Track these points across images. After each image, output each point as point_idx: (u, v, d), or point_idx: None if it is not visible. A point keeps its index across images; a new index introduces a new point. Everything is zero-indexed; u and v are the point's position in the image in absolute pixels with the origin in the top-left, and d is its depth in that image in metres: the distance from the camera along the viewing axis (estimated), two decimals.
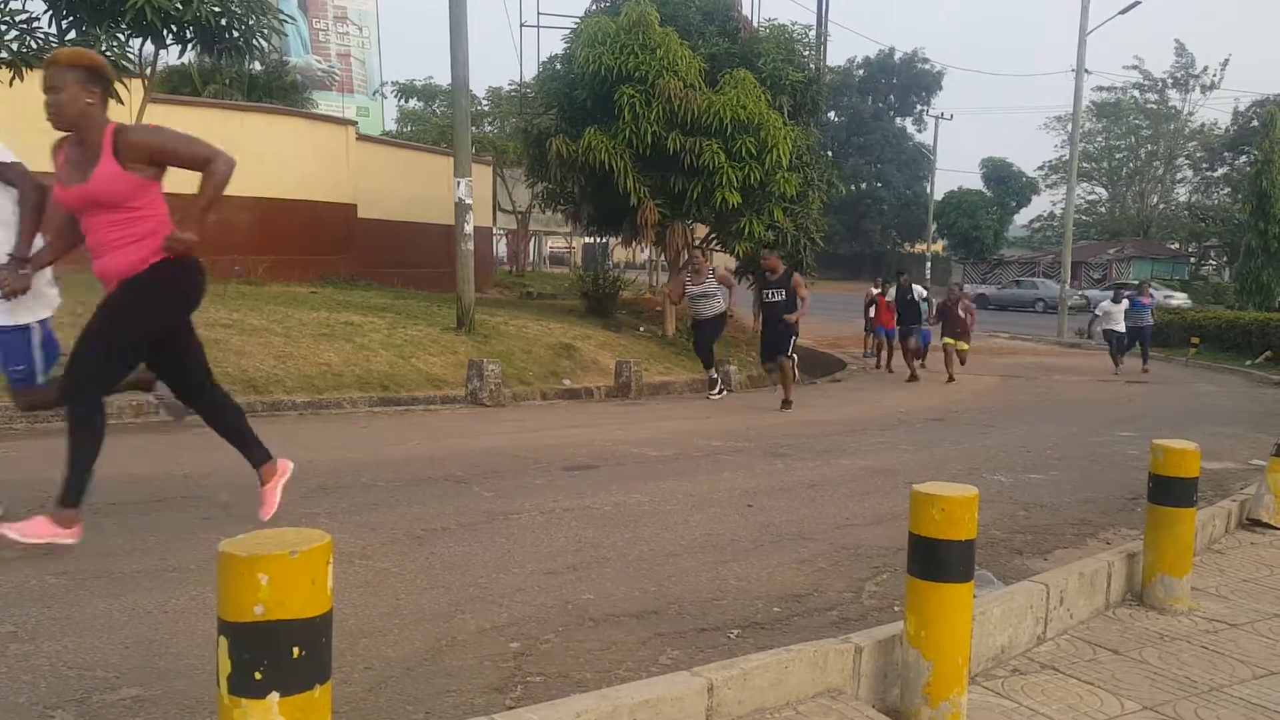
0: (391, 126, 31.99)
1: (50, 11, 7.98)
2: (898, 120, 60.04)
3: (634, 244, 17.78)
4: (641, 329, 15.84)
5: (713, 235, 15.58)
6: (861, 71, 58.57)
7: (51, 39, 8.02)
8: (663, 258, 18.88)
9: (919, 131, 59.35)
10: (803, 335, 12.12)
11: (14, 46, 7.84)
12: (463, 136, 12.20)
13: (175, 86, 17.56)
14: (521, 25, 18.87)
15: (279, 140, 15.32)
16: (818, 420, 9.70)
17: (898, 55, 58.54)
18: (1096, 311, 18.46)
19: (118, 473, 5.43)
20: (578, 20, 15.33)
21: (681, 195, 13.62)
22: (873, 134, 57.39)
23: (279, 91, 20.51)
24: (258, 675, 1.62)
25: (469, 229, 12.17)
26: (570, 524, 4.77)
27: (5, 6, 7.80)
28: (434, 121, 27.58)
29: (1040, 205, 58.17)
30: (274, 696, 1.63)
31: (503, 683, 2.84)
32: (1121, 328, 16.84)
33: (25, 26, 7.93)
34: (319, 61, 30.78)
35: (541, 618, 3.41)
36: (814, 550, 4.49)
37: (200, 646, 2.95)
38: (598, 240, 26.47)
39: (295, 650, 1.64)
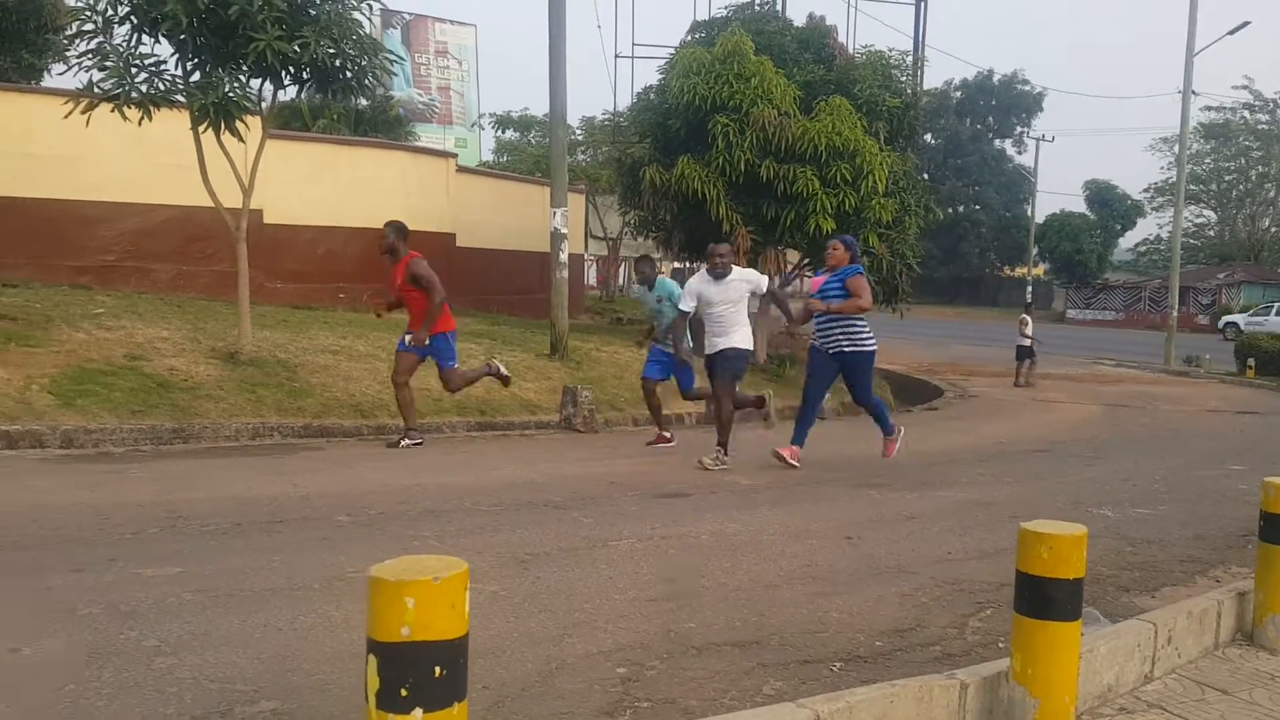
0: (488, 157, 32.77)
1: (177, 54, 8.43)
2: (996, 142, 59.05)
3: None
4: None
5: (806, 261, 15.57)
6: (959, 94, 57.82)
7: (178, 80, 8.48)
8: None
9: (1019, 153, 58.32)
10: (895, 361, 11.90)
11: (143, 88, 8.29)
12: (559, 168, 12.47)
13: (286, 121, 18.33)
14: (616, 56, 19.17)
15: (384, 173, 15.86)
16: (914, 450, 9.59)
17: (997, 77, 57.67)
18: None
19: (239, 495, 5.73)
20: (672, 51, 15.54)
21: (774, 222, 13.66)
22: (971, 156, 56.53)
23: (383, 125, 21.23)
24: (403, 692, 1.75)
25: (564, 257, 12.41)
26: (668, 552, 4.86)
27: (135, 50, 8.27)
28: (529, 151, 28.17)
29: (1146, 228, 56.50)
30: (418, 713, 1.75)
31: (612, 707, 2.93)
32: None
33: (154, 69, 8.39)
34: (420, 95, 31.77)
35: (646, 644, 3.50)
36: (915, 584, 4.49)
37: (329, 663, 3.12)
38: (687, 265, 26.63)
39: (437, 670, 1.76)
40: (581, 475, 7.13)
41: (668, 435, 9.07)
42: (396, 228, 8.03)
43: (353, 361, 10.17)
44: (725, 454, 7.66)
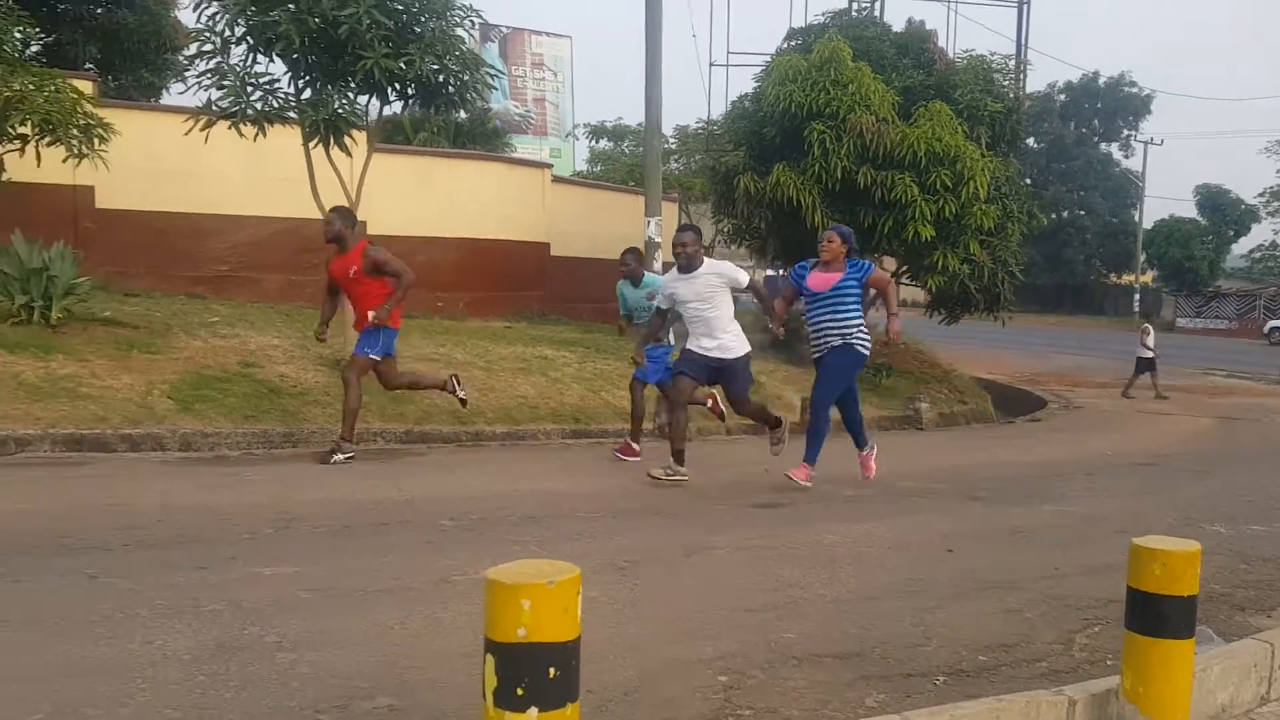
0: (581, 166, 33.14)
1: (289, 73, 8.76)
2: (1102, 146, 57.26)
3: None
4: None
5: (904, 269, 15.35)
6: (1063, 96, 56.24)
7: (290, 98, 8.82)
8: None
9: (1126, 157, 56.44)
10: (997, 371, 11.65)
11: (258, 106, 8.64)
12: (654, 177, 12.57)
13: (389, 135, 18.86)
14: (711, 65, 19.23)
15: (481, 184, 16.18)
16: (1018, 461, 9.40)
17: (1103, 79, 55.93)
18: None
19: (347, 498, 5.93)
20: (768, 59, 15.51)
21: (871, 229, 13.49)
22: (1075, 160, 54.92)
23: (481, 137, 21.66)
24: (519, 691, 1.81)
25: (658, 266, 12.50)
26: (767, 562, 4.86)
27: (251, 70, 8.63)
28: (623, 161, 28.37)
29: (1261, 234, 53.97)
30: (533, 711, 1.81)
31: (715, 714, 2.96)
32: None
33: (268, 87, 8.74)
34: (516, 107, 32.34)
35: (746, 653, 3.51)
36: (1021, 599, 4.40)
37: (439, 662, 3.22)
38: (780, 273, 26.50)
39: (551, 670, 1.82)
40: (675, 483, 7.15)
41: (636, 448, 8.07)
42: (343, 213, 7.44)
43: (451, 369, 10.39)
44: (782, 429, 7.23)
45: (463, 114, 16.12)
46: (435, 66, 8.40)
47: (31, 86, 9.62)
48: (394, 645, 3.38)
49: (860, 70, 13.31)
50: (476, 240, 15.67)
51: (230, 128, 8.56)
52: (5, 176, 9.98)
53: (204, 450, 7.48)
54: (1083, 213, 55.22)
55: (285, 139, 9.16)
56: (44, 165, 10.00)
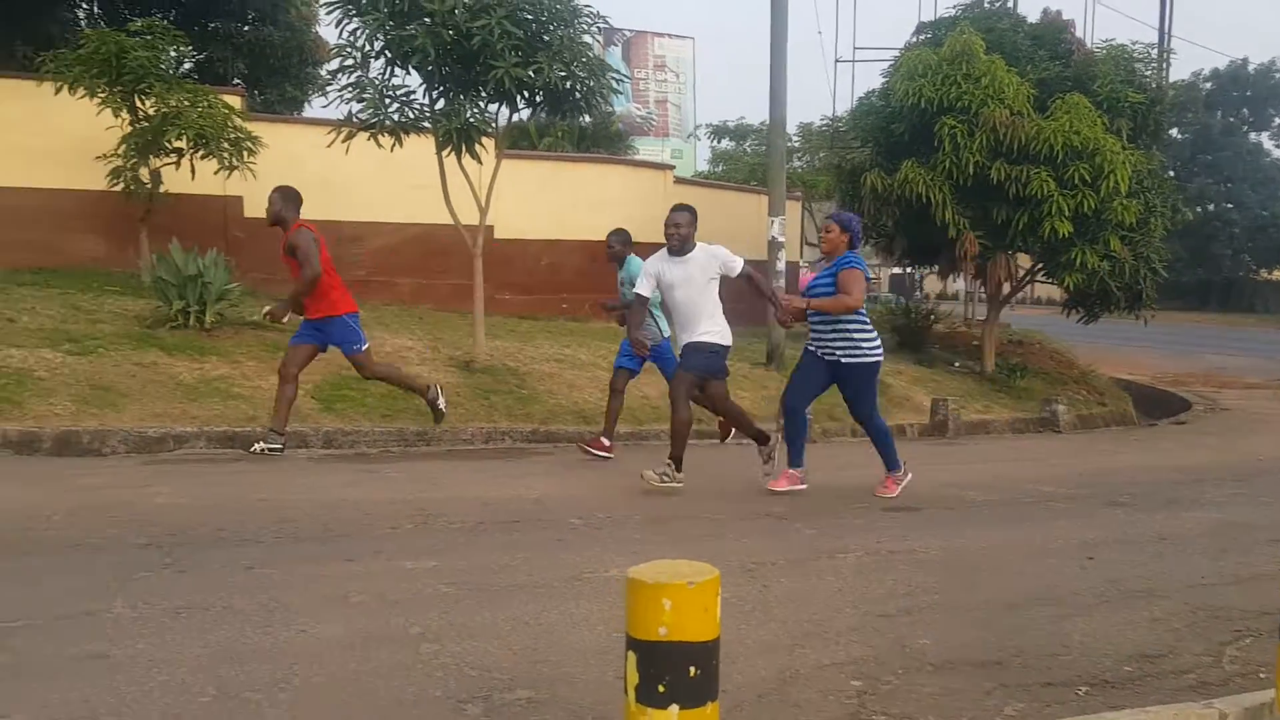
0: (703, 167, 33.18)
1: (424, 84, 9.07)
2: (1251, 136, 54.04)
3: (950, 276, 17.30)
4: (956, 364, 15.34)
5: (1039, 266, 14.86)
6: (1209, 85, 53.27)
7: (425, 108, 9.12)
8: (982, 289, 18.22)
9: (1277, 147, 53.14)
10: (1139, 370, 11.13)
11: (395, 117, 8.97)
12: (777, 176, 12.50)
13: (515, 141, 19.29)
14: (836, 61, 19.15)
15: (604, 186, 16.37)
16: (1161, 466, 8.99)
17: (1252, 66, 52.76)
18: None
19: (480, 495, 6.11)
20: (896, 54, 15.23)
21: (1005, 226, 13.11)
22: (1222, 151, 51.98)
23: (604, 140, 21.94)
24: (661, 688, 1.85)
25: (781, 266, 12.42)
26: (898, 567, 4.79)
27: (389, 82, 8.96)
28: (745, 160, 28.28)
29: None
30: (674, 709, 1.85)
31: (848, 719, 2.95)
32: None
33: (404, 99, 9.06)
34: (638, 109, 32.63)
35: (879, 658, 3.48)
36: (1166, 609, 4.23)
37: (575, 658, 3.30)
38: (906, 271, 26.01)
39: (692, 669, 1.86)
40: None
41: (607, 443, 7.71)
42: (285, 193, 7.28)
43: (576, 370, 10.58)
44: (677, 470, 6.38)
45: (587, 118, 16.39)
46: (563, 73, 8.56)
47: (186, 103, 10.25)
48: (530, 640, 3.48)
49: (993, 63, 12.94)
50: (598, 243, 15.85)
51: (370, 139, 8.92)
52: (163, 188, 10.64)
53: (345, 447, 7.82)
54: (1230, 206, 52.19)
55: (418, 147, 9.47)
56: (197, 177, 10.64)
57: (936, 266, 16.10)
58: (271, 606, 3.71)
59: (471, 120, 8.96)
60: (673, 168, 19.25)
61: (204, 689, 2.95)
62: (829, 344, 6.43)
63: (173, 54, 11.19)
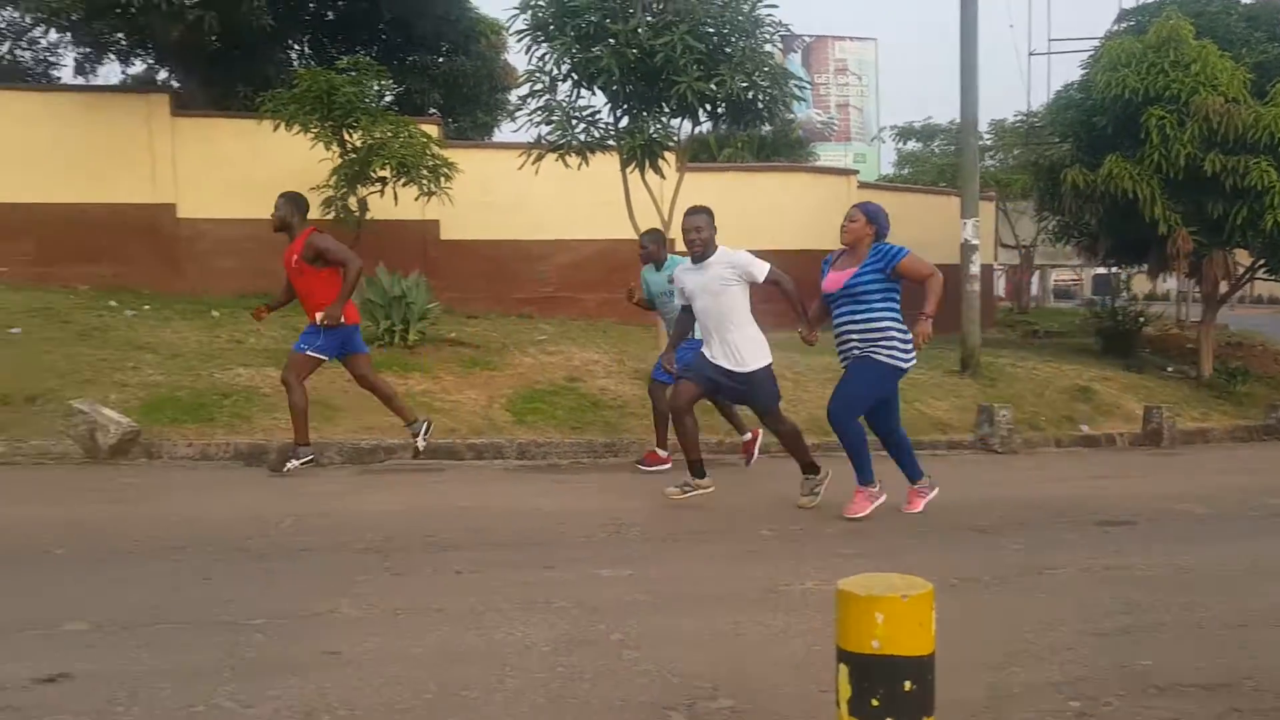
0: (887, 170, 32.42)
1: (609, 103, 9.27)
2: None
3: (1160, 275, 16.22)
4: (1169, 369, 14.34)
5: (1260, 262, 13.73)
6: None
7: (609, 127, 9.32)
8: (1196, 289, 17.00)
9: None
10: None
11: (581, 137, 9.20)
12: (970, 176, 12.06)
13: (695, 154, 19.44)
14: (1030, 54, 18.20)
15: (786, 195, 16.25)
16: None
17: None
18: None
19: (670, 505, 6.15)
20: (1096, 43, 14.46)
21: (1221, 220, 12.20)
22: None
23: (785, 148, 21.76)
24: (874, 702, 1.82)
25: (975, 269, 11.96)
26: (1115, 584, 4.51)
27: (575, 104, 9.20)
28: (933, 161, 27.44)
29: None
30: None
31: None
32: None
33: (590, 119, 9.29)
34: (819, 115, 32.24)
35: (1098, 679, 3.29)
36: None
37: (775, 669, 3.28)
38: (1111, 271, 24.57)
39: (907, 684, 1.81)
40: (1006, 498, 6.83)
41: (663, 454, 7.40)
42: (290, 198, 6.85)
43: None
44: (819, 476, 6.08)
45: (767, 128, 16.33)
46: (745, 84, 8.55)
47: (389, 134, 10.88)
48: (729, 650, 3.48)
49: (1204, 48, 12.09)
50: (775, 251, 15.74)
51: (558, 159, 9.19)
52: (369, 215, 11.33)
53: (538, 458, 8.07)
54: None
55: (601, 165, 9.69)
56: (399, 204, 11.27)
57: (1145, 266, 15.17)
58: (480, 610, 3.86)
59: (654, 135, 9.08)
60: (856, 172, 18.91)
61: (426, 686, 3.11)
62: (849, 343, 5.78)
63: (376, 88, 11.90)
